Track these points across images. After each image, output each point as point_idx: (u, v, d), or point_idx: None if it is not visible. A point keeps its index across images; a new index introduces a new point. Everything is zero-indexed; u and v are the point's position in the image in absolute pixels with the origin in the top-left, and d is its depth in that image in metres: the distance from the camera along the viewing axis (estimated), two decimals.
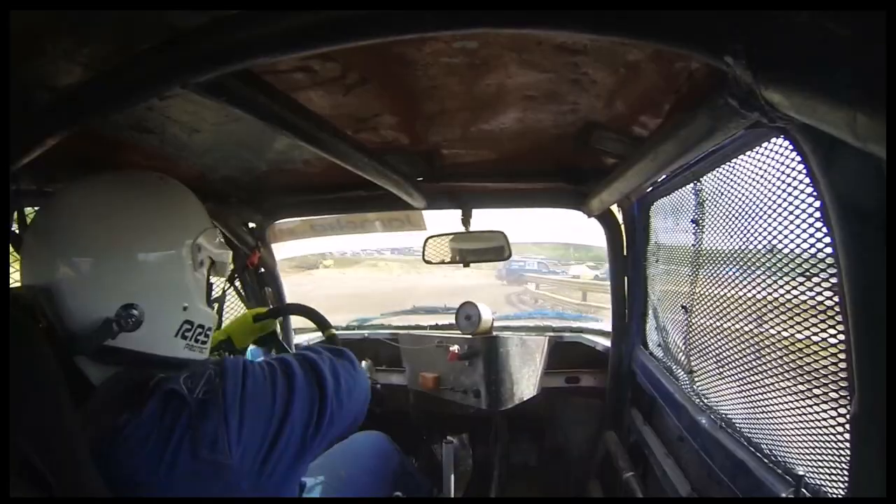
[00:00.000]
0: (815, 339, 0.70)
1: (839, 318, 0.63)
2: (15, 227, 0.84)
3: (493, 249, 1.84)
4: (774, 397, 0.83)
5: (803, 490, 0.74)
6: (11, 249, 0.79)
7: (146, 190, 0.81)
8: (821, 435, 0.71)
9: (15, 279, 0.89)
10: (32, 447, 0.58)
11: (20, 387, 0.59)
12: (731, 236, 0.95)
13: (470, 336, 1.82)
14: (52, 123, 0.67)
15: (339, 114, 0.99)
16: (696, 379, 1.17)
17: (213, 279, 0.88)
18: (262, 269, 1.79)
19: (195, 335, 0.81)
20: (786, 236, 0.75)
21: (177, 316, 0.78)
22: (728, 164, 0.92)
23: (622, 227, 1.65)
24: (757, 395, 0.89)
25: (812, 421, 0.72)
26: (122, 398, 0.68)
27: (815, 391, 0.71)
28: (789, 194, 0.72)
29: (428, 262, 1.91)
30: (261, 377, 0.75)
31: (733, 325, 0.95)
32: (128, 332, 0.71)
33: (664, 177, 1.21)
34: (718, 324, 1.02)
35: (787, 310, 0.76)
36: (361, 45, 0.56)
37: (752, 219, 0.85)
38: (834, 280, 0.64)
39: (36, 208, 0.96)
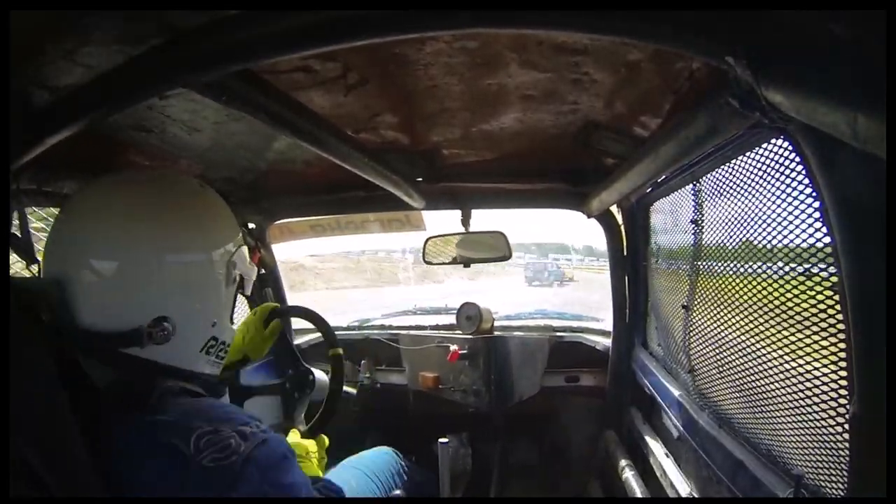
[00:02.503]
0: (815, 338, 0.70)
1: (839, 317, 0.63)
2: (15, 229, 0.83)
3: (494, 250, 1.84)
4: (774, 397, 0.83)
5: (802, 490, 0.74)
6: (11, 250, 0.78)
7: (189, 197, 0.78)
8: (820, 435, 0.71)
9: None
10: (29, 446, 0.58)
11: (18, 385, 0.59)
12: (731, 236, 0.95)
13: (470, 336, 1.82)
14: (52, 123, 0.67)
15: (340, 114, 0.99)
16: (696, 378, 1.17)
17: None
18: (262, 270, 1.79)
19: (217, 351, 0.79)
20: (786, 236, 0.74)
21: (206, 332, 0.76)
22: (728, 164, 0.92)
23: (622, 227, 1.65)
24: (757, 394, 0.89)
25: (812, 421, 0.72)
26: (127, 404, 0.66)
27: (815, 391, 0.71)
28: (789, 195, 0.72)
29: (428, 263, 1.91)
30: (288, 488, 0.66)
31: (733, 324, 0.95)
32: (157, 344, 0.69)
33: (664, 177, 1.21)
34: (718, 323, 1.02)
35: (787, 309, 0.76)
36: (362, 45, 0.56)
37: (752, 219, 0.85)
38: (834, 280, 0.64)
39: (34, 208, 0.96)
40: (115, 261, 0.69)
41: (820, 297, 0.68)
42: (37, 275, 0.75)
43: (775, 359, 0.80)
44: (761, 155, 0.79)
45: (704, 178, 1.05)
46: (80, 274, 0.68)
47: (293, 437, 1.10)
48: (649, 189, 1.40)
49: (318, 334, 1.98)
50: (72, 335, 0.67)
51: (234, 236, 0.81)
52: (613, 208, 1.62)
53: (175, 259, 0.72)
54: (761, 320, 0.84)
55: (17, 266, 0.96)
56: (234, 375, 1.27)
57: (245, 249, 0.83)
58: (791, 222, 0.72)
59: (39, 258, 0.76)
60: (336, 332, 1.28)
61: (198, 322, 0.75)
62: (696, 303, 1.15)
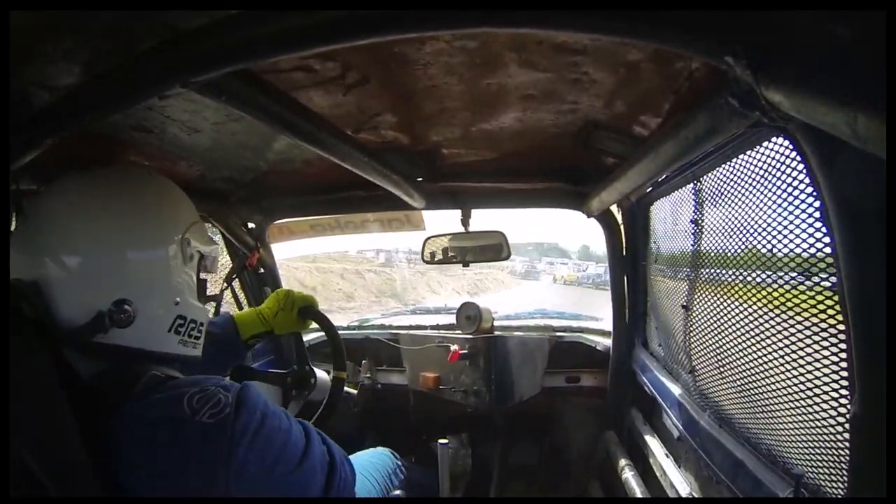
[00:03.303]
0: (815, 338, 0.70)
1: (839, 317, 0.63)
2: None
3: (493, 249, 1.84)
4: (775, 397, 0.83)
5: (803, 490, 0.74)
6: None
7: (133, 185, 0.81)
8: (821, 435, 0.71)
9: None
10: (27, 448, 0.58)
11: (15, 387, 0.59)
12: (731, 236, 0.95)
13: (471, 336, 1.82)
14: (52, 123, 0.67)
15: (339, 113, 0.99)
16: (696, 379, 1.17)
17: (203, 275, 0.88)
18: (262, 270, 1.79)
19: (188, 330, 0.80)
20: (786, 236, 0.74)
21: (169, 311, 0.78)
22: (728, 163, 0.92)
23: (622, 226, 1.65)
24: (757, 394, 0.89)
25: (812, 421, 0.72)
26: (114, 395, 0.67)
27: (816, 391, 0.71)
28: (789, 194, 0.72)
29: (427, 263, 1.91)
30: (277, 425, 0.71)
31: (734, 324, 0.95)
32: (121, 327, 0.71)
33: (664, 176, 1.21)
34: (719, 323, 1.02)
35: (787, 309, 0.76)
36: (361, 45, 0.56)
37: (752, 218, 0.85)
38: (834, 280, 0.64)
39: None
40: (70, 256, 0.72)
41: (820, 296, 0.68)
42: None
43: (776, 359, 0.80)
44: (761, 154, 0.79)
45: (705, 177, 1.05)
46: (43, 272, 0.71)
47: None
48: (649, 189, 1.40)
49: (321, 333, 1.98)
50: (55, 331, 0.69)
51: (187, 216, 0.84)
52: (613, 208, 1.62)
53: (127, 244, 0.75)
54: (762, 320, 0.84)
55: None
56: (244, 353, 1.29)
57: (202, 226, 0.86)
58: (791, 222, 0.72)
59: None
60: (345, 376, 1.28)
61: (159, 301, 0.77)
62: (696, 303, 1.15)
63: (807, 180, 0.66)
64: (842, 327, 0.63)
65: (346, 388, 1.30)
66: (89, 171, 0.81)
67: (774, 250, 0.79)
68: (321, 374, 1.38)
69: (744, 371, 0.93)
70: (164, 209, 0.82)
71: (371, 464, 1.36)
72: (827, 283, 0.66)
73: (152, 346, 0.75)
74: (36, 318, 0.68)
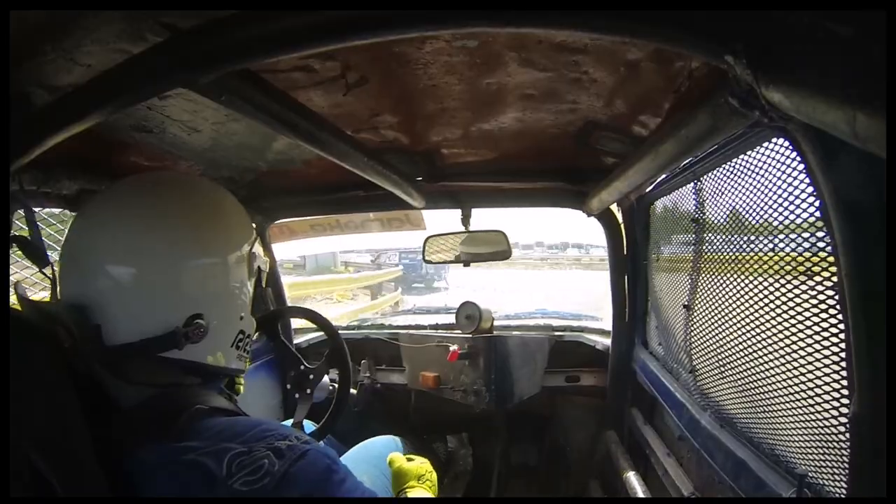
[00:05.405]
0: (815, 338, 0.70)
1: (839, 317, 0.63)
2: (15, 230, 0.82)
3: (494, 248, 1.84)
4: (777, 396, 0.83)
5: (805, 490, 0.74)
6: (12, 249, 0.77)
7: (206, 194, 0.79)
8: (823, 434, 0.71)
9: (18, 278, 0.89)
10: (34, 448, 0.58)
11: (22, 387, 0.58)
12: (732, 235, 0.95)
13: (470, 335, 1.82)
14: (52, 123, 0.66)
15: (339, 113, 0.99)
16: (697, 378, 1.17)
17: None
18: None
19: (244, 345, 0.78)
20: (786, 235, 0.75)
21: (235, 326, 0.76)
22: (728, 163, 0.92)
23: (622, 226, 1.65)
24: (758, 394, 0.89)
25: (814, 420, 0.72)
26: (154, 429, 0.62)
27: (817, 390, 0.71)
28: (790, 194, 0.72)
29: (428, 262, 1.91)
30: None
31: (734, 324, 0.95)
32: (194, 343, 0.68)
33: (664, 176, 1.22)
34: (720, 323, 1.02)
35: (787, 309, 0.76)
36: (361, 45, 0.56)
37: (753, 218, 0.85)
38: (834, 280, 0.64)
39: (37, 209, 0.96)
40: (144, 268, 0.67)
41: (821, 296, 0.68)
42: (50, 278, 0.72)
43: (777, 358, 0.80)
44: (762, 154, 0.79)
45: (705, 176, 1.05)
46: (108, 286, 0.66)
47: (399, 461, 1.05)
48: (650, 188, 1.40)
49: (319, 334, 1.99)
50: (97, 356, 0.64)
51: (252, 229, 0.83)
52: (613, 207, 1.62)
53: (204, 260, 0.72)
54: (762, 320, 0.84)
55: (16, 267, 0.96)
56: None
57: (257, 239, 0.85)
58: (791, 221, 0.72)
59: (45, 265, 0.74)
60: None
61: (228, 316, 0.75)
62: (697, 302, 1.15)
63: (807, 180, 0.66)
64: (842, 327, 0.63)
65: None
66: (151, 176, 0.79)
67: (775, 250, 0.79)
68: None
69: (745, 370, 0.93)
70: (239, 220, 0.80)
71: (381, 456, 1.35)
72: (828, 283, 0.66)
73: (216, 362, 0.73)
74: (72, 347, 0.62)
